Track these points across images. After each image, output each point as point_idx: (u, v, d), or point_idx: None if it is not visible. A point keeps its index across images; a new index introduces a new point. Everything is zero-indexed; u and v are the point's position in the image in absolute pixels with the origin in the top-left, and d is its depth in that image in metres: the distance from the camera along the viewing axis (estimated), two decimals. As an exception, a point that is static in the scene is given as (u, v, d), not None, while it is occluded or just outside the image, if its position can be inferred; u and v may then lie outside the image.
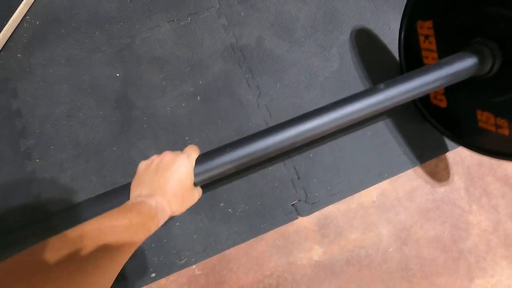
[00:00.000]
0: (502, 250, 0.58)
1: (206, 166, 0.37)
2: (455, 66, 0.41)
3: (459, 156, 0.62)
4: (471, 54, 0.43)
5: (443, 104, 0.56)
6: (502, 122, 0.46)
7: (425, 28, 0.53)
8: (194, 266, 0.55)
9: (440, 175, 0.61)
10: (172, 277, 0.55)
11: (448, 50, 0.50)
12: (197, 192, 0.38)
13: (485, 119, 0.48)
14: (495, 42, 0.42)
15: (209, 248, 0.56)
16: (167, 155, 0.34)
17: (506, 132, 0.46)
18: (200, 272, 0.55)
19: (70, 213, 0.36)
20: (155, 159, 0.35)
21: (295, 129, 0.40)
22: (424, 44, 0.55)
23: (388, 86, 0.43)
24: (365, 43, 0.68)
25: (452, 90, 0.53)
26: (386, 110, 0.44)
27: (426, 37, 0.54)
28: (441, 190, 0.60)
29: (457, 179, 0.61)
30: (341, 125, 0.42)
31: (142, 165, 0.35)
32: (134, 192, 0.33)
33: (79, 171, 0.59)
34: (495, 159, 0.50)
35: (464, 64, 0.42)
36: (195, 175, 0.36)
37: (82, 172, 0.59)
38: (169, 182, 0.32)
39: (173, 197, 0.32)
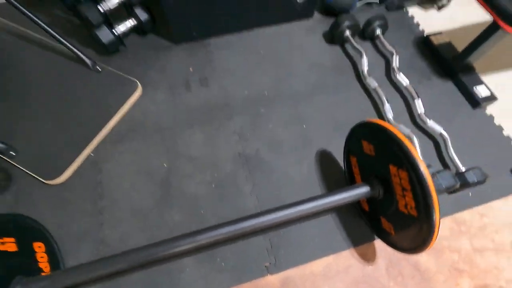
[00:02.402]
0: (410, 318, 0.81)
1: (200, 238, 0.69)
2: (355, 192, 0.75)
3: (383, 244, 0.90)
4: (366, 184, 0.76)
5: (367, 208, 0.87)
6: (390, 226, 0.77)
7: (353, 160, 0.89)
8: (194, 302, 0.82)
9: (369, 256, 0.89)
10: (179, 308, 0.81)
11: (364, 176, 0.84)
12: None
13: (384, 222, 0.79)
14: (379, 179, 0.75)
15: (208, 286, 0.83)
16: None
17: (392, 233, 0.76)
18: (197, 306, 0.82)
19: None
20: None
21: (261, 218, 0.72)
22: (354, 169, 0.89)
23: (327, 195, 0.76)
24: (321, 160, 1.03)
25: (370, 200, 0.85)
26: (327, 209, 0.76)
27: (355, 165, 0.88)
28: (369, 268, 0.87)
29: (381, 261, 0.88)
30: (297, 216, 0.74)
31: None
32: None
33: (131, 226, 0.91)
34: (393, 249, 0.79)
35: (361, 191, 0.75)
36: None
37: (133, 227, 0.91)
38: None
39: None
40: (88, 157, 1.02)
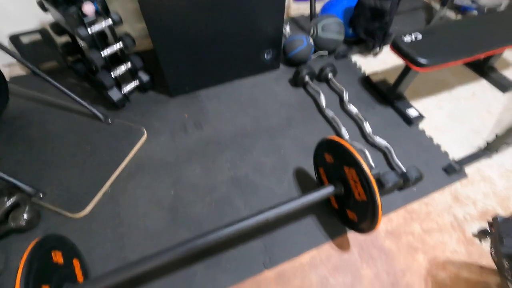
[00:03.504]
0: (382, 290, 1.01)
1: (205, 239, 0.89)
2: (324, 191, 1.00)
3: (354, 235, 1.12)
4: (330, 185, 1.02)
5: (336, 206, 1.12)
6: (353, 215, 1.01)
7: (321, 170, 1.15)
8: (207, 300, 0.98)
9: (344, 246, 1.10)
10: (194, 307, 0.97)
11: (330, 180, 1.10)
12: None
13: (349, 213, 1.03)
14: (339, 179, 1.02)
15: (216, 286, 1.00)
16: None
17: (356, 219, 1.00)
18: (210, 304, 0.98)
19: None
20: None
21: (255, 218, 0.94)
22: (323, 177, 1.15)
23: (302, 196, 1.00)
24: (297, 176, 1.29)
25: (338, 198, 1.10)
26: (304, 207, 0.99)
27: (323, 174, 1.15)
28: (345, 255, 1.08)
29: (354, 248, 1.10)
30: (282, 213, 0.97)
31: None
32: None
33: (148, 246, 1.09)
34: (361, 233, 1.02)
35: (328, 190, 1.01)
36: None
37: (149, 247, 1.09)
38: None
39: None
40: (105, 193, 1.22)
